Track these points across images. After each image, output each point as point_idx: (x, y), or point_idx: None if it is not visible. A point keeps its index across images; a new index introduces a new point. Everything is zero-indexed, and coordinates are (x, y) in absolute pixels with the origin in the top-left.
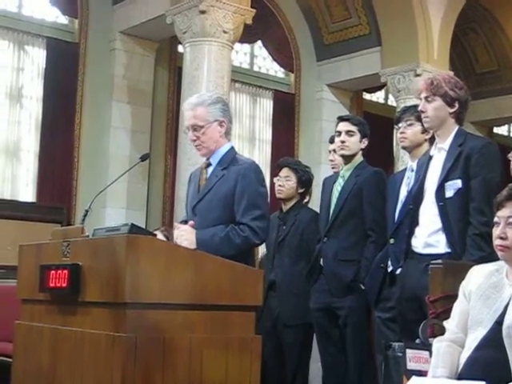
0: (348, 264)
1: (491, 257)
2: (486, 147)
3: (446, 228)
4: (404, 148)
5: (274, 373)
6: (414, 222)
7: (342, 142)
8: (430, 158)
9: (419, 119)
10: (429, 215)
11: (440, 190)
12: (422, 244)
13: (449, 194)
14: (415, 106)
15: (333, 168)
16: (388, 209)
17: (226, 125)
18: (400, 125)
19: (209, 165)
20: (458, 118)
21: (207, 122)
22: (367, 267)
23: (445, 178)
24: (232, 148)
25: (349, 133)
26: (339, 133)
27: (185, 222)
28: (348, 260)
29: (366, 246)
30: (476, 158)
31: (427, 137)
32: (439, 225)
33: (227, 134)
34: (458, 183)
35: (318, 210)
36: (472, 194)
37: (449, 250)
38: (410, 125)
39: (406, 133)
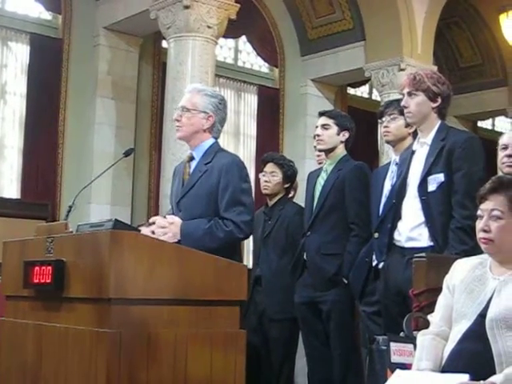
0: (331, 258)
1: (474, 250)
2: (468, 141)
3: (429, 222)
4: (388, 142)
5: (259, 367)
6: (397, 216)
7: (318, 135)
8: (413, 152)
9: (402, 113)
10: (411, 209)
11: (422, 184)
12: (404, 238)
13: (431, 187)
14: (398, 100)
15: (320, 163)
16: (372, 203)
17: (212, 121)
18: (383, 119)
19: (192, 158)
20: (441, 112)
21: (195, 108)
22: (350, 261)
23: (427, 172)
24: (215, 142)
25: (324, 126)
26: (317, 127)
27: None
28: (331, 254)
29: (349, 240)
30: (458, 152)
31: (411, 131)
32: (422, 219)
33: (213, 131)
34: (441, 177)
35: (302, 204)
36: (454, 188)
37: (431, 244)
38: (394, 119)
39: (390, 127)
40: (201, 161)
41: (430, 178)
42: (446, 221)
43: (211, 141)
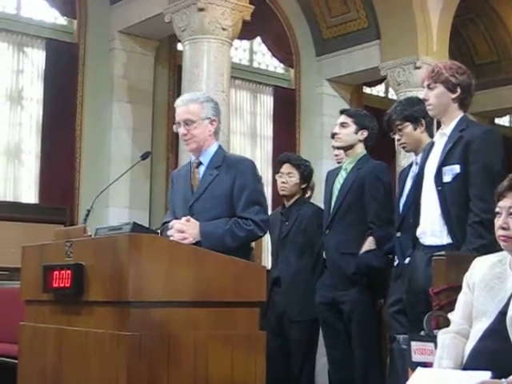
0: (349, 257)
1: (492, 245)
2: (487, 133)
3: (445, 213)
4: (408, 151)
5: (279, 368)
6: (417, 211)
7: (336, 133)
8: (433, 144)
9: (407, 119)
10: (428, 200)
11: (438, 174)
12: (424, 233)
13: (446, 178)
14: (395, 108)
15: (338, 163)
16: (395, 202)
17: (216, 124)
18: (392, 133)
19: (199, 164)
20: (462, 103)
21: (200, 118)
22: (369, 259)
23: (443, 162)
24: (220, 147)
25: (342, 124)
26: (336, 125)
27: (167, 223)
28: (349, 253)
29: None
30: (476, 144)
31: (422, 129)
32: (438, 210)
33: (216, 133)
34: (456, 168)
35: (320, 204)
36: (472, 181)
37: (450, 241)
38: (401, 129)
39: (402, 138)
40: (210, 165)
41: (446, 169)
42: (461, 213)
43: (216, 146)
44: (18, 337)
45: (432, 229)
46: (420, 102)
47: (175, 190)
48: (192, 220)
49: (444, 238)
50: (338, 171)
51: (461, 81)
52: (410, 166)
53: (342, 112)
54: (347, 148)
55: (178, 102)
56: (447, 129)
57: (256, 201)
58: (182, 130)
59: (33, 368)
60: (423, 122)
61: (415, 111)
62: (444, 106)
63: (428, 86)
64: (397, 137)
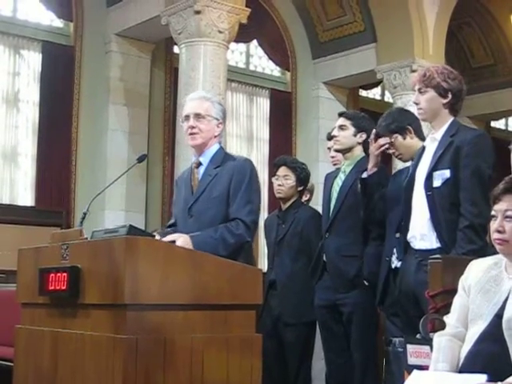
0: (350, 259)
1: (482, 250)
2: (477, 138)
3: (434, 218)
4: (406, 161)
5: (275, 372)
6: (408, 215)
7: (334, 136)
8: (424, 148)
9: (393, 131)
10: (418, 205)
11: (428, 179)
12: (414, 237)
13: (436, 183)
14: (380, 125)
15: (334, 164)
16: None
17: (221, 128)
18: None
19: (199, 165)
20: (453, 108)
21: (210, 115)
22: (369, 263)
23: (433, 168)
24: (221, 148)
25: (341, 127)
26: (334, 128)
27: (171, 225)
28: (350, 256)
29: (369, 242)
30: (467, 148)
31: (411, 136)
32: (428, 214)
33: (220, 137)
34: (446, 173)
35: (319, 207)
36: (463, 185)
37: (439, 245)
38: (392, 142)
39: (396, 151)
40: (209, 166)
41: (436, 174)
42: (450, 217)
43: (217, 146)
44: (14, 340)
45: (421, 233)
46: (401, 111)
47: (179, 193)
48: (182, 235)
49: (433, 242)
50: (337, 174)
51: (452, 86)
52: (407, 168)
53: (341, 115)
54: (346, 151)
55: (192, 96)
56: (438, 134)
57: (250, 200)
58: (190, 123)
59: (28, 371)
60: (410, 128)
61: (400, 122)
62: (435, 110)
63: (419, 90)
64: (390, 151)
